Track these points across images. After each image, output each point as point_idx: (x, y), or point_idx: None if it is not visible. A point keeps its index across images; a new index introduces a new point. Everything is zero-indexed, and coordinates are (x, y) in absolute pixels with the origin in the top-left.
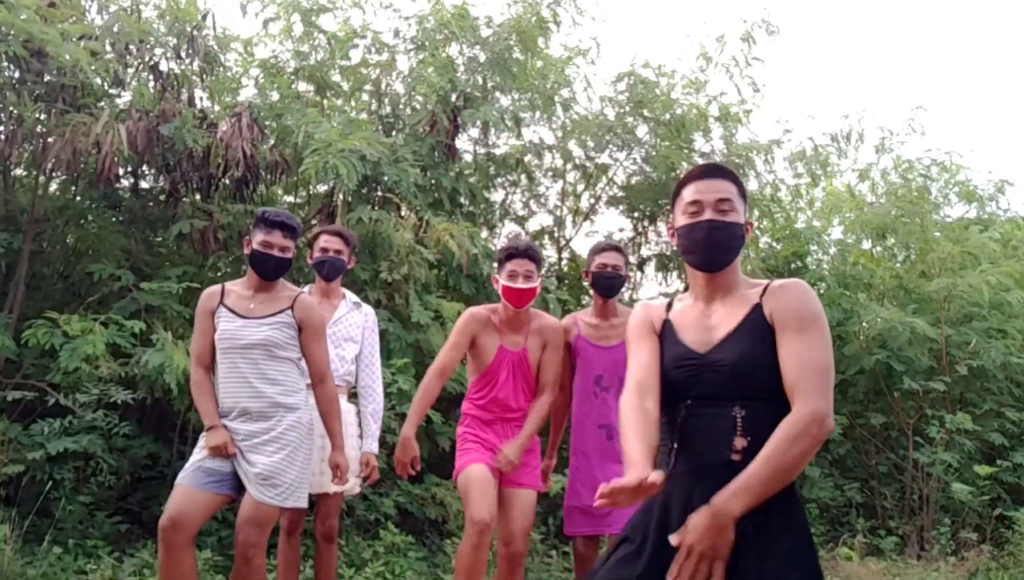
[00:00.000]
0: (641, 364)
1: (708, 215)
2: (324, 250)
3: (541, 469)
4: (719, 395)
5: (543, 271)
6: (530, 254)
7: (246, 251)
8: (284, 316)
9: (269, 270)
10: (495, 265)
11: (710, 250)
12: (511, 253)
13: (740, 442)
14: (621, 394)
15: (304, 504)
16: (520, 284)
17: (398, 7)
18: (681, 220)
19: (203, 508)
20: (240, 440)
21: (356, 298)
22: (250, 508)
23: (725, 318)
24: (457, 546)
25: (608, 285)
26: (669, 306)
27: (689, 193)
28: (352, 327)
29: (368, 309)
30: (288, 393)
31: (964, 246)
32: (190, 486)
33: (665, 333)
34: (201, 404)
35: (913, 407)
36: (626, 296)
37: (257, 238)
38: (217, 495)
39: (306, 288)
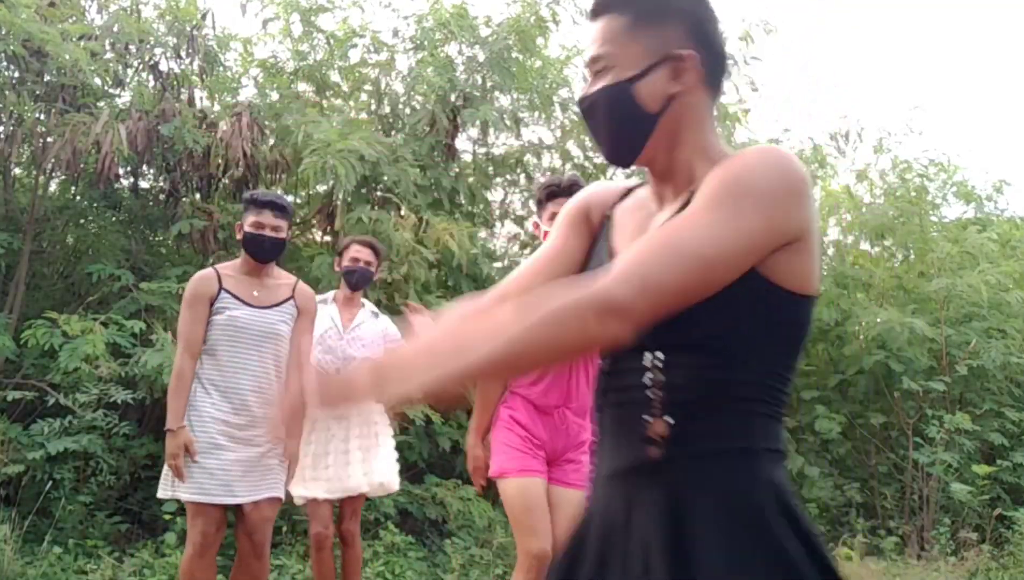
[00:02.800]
0: (526, 265)
1: (584, 88)
2: (355, 260)
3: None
4: (635, 346)
5: None
6: (576, 192)
7: (238, 236)
8: (288, 306)
9: (263, 251)
10: (534, 207)
11: (600, 141)
12: (552, 191)
13: (659, 426)
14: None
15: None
16: None
17: (397, 6)
18: None
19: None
20: (242, 436)
21: (375, 308)
22: (266, 507)
23: (663, 219)
24: (458, 546)
25: None
26: (627, 193)
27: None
28: (370, 333)
29: (386, 320)
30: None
31: (963, 246)
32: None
33: (600, 235)
34: (177, 401)
35: (913, 407)
36: None
37: (248, 220)
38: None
39: (330, 294)
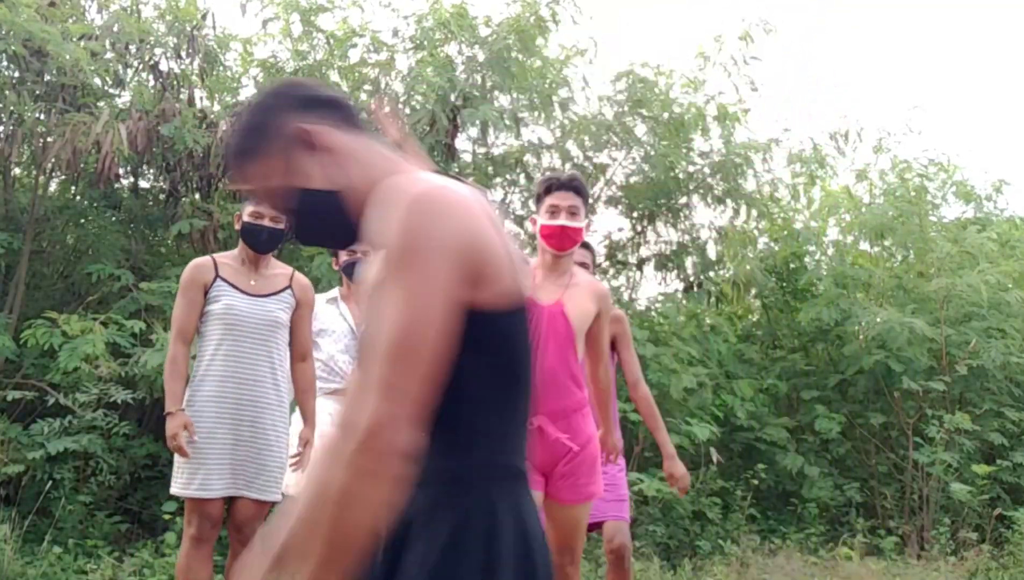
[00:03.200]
0: None
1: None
2: (353, 252)
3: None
4: None
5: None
6: (575, 186)
7: (236, 225)
8: (286, 295)
9: (261, 241)
10: (534, 203)
11: (327, 244)
12: (551, 185)
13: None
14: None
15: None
16: (563, 220)
17: (397, 6)
18: None
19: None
20: (242, 430)
21: None
22: (260, 505)
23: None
24: None
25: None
26: None
27: None
28: None
29: None
30: (283, 378)
31: (962, 246)
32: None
33: None
34: (173, 385)
35: (913, 407)
36: (625, 296)
37: (248, 210)
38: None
39: (335, 292)
